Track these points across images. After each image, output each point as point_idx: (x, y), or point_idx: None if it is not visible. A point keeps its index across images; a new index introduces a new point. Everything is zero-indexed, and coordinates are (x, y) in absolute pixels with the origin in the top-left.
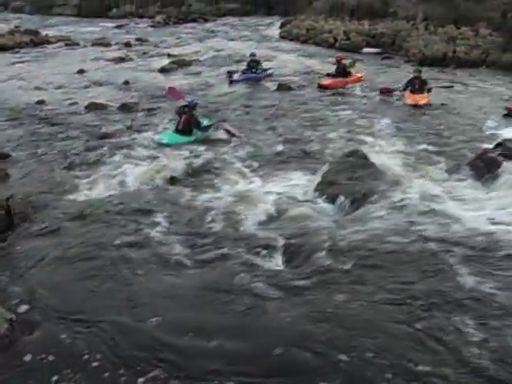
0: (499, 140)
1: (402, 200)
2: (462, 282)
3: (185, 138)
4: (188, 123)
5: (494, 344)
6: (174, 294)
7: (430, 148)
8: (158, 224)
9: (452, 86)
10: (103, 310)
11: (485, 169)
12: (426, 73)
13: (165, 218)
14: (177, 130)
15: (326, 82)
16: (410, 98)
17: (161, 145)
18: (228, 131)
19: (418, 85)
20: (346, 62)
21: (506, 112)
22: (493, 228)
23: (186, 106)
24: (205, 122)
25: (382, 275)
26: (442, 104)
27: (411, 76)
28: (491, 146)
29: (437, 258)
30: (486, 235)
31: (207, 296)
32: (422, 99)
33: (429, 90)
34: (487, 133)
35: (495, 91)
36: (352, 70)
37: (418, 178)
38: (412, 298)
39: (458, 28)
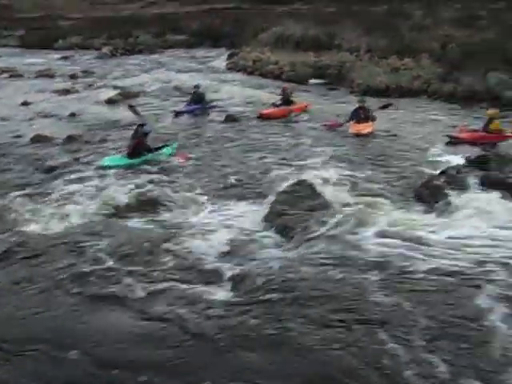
0: (443, 168)
1: (350, 230)
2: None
3: (130, 161)
4: (138, 147)
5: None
6: (110, 327)
7: (377, 176)
8: (101, 256)
9: (391, 104)
10: (33, 341)
11: (430, 196)
12: (370, 103)
13: (108, 251)
14: (127, 154)
15: (266, 111)
16: (354, 128)
17: (107, 175)
18: (182, 156)
19: (362, 114)
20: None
21: (448, 140)
22: (437, 254)
23: (141, 125)
24: (164, 150)
25: (326, 304)
26: (387, 133)
27: (356, 106)
28: (436, 174)
29: (379, 285)
30: (432, 262)
31: (147, 329)
32: (366, 128)
33: (373, 119)
34: (431, 160)
35: (437, 120)
36: (293, 100)
37: (365, 207)
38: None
39: (401, 59)
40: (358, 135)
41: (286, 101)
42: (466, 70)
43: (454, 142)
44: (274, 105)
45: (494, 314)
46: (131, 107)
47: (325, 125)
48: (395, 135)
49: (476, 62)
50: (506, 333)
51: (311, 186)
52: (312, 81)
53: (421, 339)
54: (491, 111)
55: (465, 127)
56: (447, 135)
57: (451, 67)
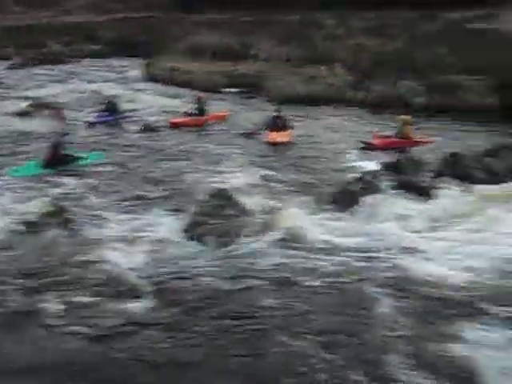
0: (359, 173)
1: (269, 237)
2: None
3: (45, 170)
4: (54, 157)
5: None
6: (23, 343)
7: (294, 183)
8: (11, 273)
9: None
10: None
11: (347, 202)
12: (287, 111)
13: (19, 267)
14: (43, 164)
15: (177, 120)
16: (271, 136)
17: (19, 186)
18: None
19: (279, 123)
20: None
21: (362, 146)
22: (354, 257)
23: (58, 134)
24: (82, 160)
25: (245, 310)
26: (304, 140)
27: (273, 115)
28: (352, 179)
29: (302, 287)
30: (348, 265)
31: (60, 346)
32: (283, 137)
33: (290, 128)
34: (347, 166)
35: (351, 127)
36: (207, 109)
37: (285, 213)
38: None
39: (316, 68)
40: (275, 144)
41: (201, 110)
42: (377, 78)
43: (367, 147)
44: (187, 114)
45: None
46: (53, 111)
47: (244, 133)
48: (312, 143)
49: (387, 70)
50: (388, 333)
51: (230, 195)
52: (227, 89)
53: (313, 339)
54: (404, 117)
55: (378, 133)
56: (361, 141)
57: (363, 75)
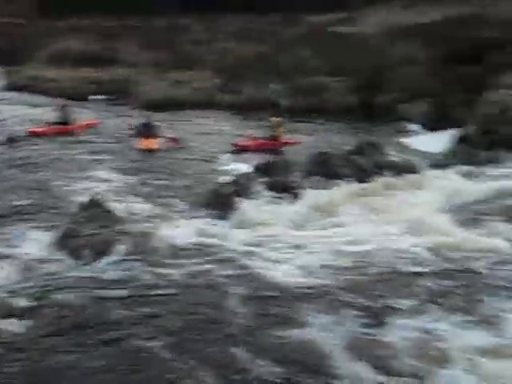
0: (231, 176)
1: (143, 244)
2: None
3: None
4: None
5: None
6: None
7: (169, 190)
8: None
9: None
10: None
11: (221, 205)
12: (156, 117)
13: None
14: None
15: (37, 129)
16: (142, 143)
17: None
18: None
19: (148, 129)
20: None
21: (233, 148)
22: (221, 259)
23: None
24: None
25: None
26: (176, 146)
27: (142, 121)
28: (225, 182)
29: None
30: (212, 266)
31: None
32: (153, 143)
33: (160, 134)
34: (220, 169)
35: (221, 130)
36: (75, 117)
37: (161, 219)
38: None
39: (183, 72)
40: (146, 150)
41: (65, 119)
42: (245, 81)
43: (238, 150)
44: (49, 123)
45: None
46: None
47: (128, 137)
48: (183, 147)
49: (254, 73)
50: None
51: (102, 204)
52: (93, 97)
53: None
54: (275, 119)
55: (249, 136)
56: (232, 144)
57: (231, 79)
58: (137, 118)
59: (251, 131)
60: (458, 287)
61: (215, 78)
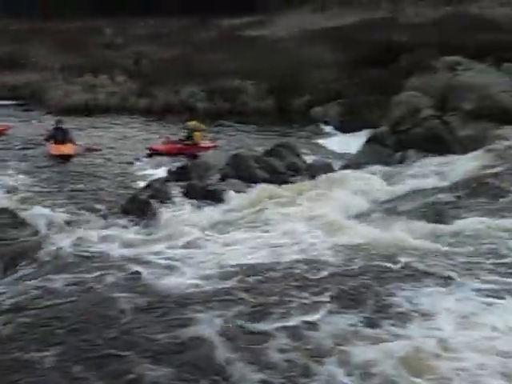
0: (147, 181)
1: (59, 253)
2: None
3: None
4: None
5: None
6: None
7: (83, 196)
8: None
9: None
10: None
11: (137, 211)
12: (70, 122)
13: None
14: None
15: None
16: (54, 149)
17: None
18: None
19: (61, 135)
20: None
21: (148, 153)
22: (150, 271)
23: None
24: None
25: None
26: (90, 151)
27: (53, 126)
28: (140, 188)
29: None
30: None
31: None
32: (66, 149)
33: (73, 140)
34: (136, 175)
35: (137, 134)
36: None
37: (74, 227)
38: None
39: (96, 76)
40: (58, 156)
41: None
42: (160, 85)
43: (152, 154)
44: None
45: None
46: None
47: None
48: (99, 153)
49: (169, 76)
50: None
51: (13, 213)
52: (1, 102)
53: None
54: (192, 123)
55: (166, 139)
56: (147, 148)
57: (145, 83)
58: (49, 123)
59: (167, 135)
60: (364, 285)
61: (129, 82)
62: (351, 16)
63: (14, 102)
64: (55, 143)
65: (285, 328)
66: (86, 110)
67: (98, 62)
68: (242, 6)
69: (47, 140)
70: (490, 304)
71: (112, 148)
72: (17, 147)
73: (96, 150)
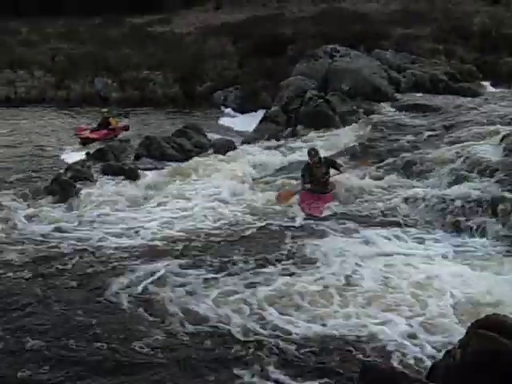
0: (68, 165)
1: None
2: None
3: None
4: None
5: None
6: None
7: (8, 182)
8: None
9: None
10: None
11: (61, 191)
12: None
13: None
14: None
15: None
16: None
17: None
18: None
19: None
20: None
21: (80, 141)
22: (71, 242)
23: None
24: None
25: None
26: (11, 142)
27: None
28: (62, 171)
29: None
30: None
31: None
32: None
33: None
34: (57, 161)
35: (56, 124)
36: None
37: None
38: None
39: (15, 72)
40: None
41: None
42: (76, 78)
43: (84, 142)
44: None
45: None
46: None
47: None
48: (20, 143)
49: (83, 70)
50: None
51: None
52: None
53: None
54: (105, 110)
55: (85, 127)
56: (78, 137)
57: (62, 76)
58: None
59: (84, 123)
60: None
61: (47, 76)
62: (244, 14)
63: None
64: None
65: None
66: (8, 103)
67: (16, 59)
68: (150, 5)
69: None
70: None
71: (32, 138)
72: None
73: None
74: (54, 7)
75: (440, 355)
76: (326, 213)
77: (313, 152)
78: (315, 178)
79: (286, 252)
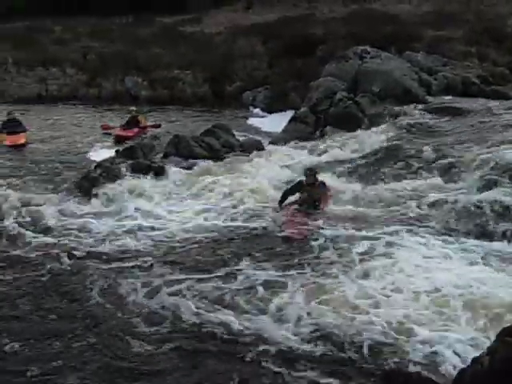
0: (97, 162)
1: (19, 227)
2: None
3: None
4: None
5: None
6: None
7: (41, 179)
8: None
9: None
10: None
11: (91, 187)
12: (24, 112)
13: None
14: None
15: None
16: (8, 140)
17: None
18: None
19: (14, 126)
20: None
21: (114, 139)
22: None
23: None
24: None
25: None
26: (43, 139)
27: (7, 118)
28: (92, 168)
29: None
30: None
31: None
32: (19, 139)
33: (25, 130)
34: (87, 158)
35: (89, 119)
36: None
37: (32, 206)
38: None
39: (47, 69)
40: (12, 146)
41: None
42: (107, 76)
43: (117, 140)
44: None
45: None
46: None
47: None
48: (51, 140)
49: (114, 68)
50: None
51: None
52: None
53: None
54: (134, 108)
55: (112, 125)
56: (114, 135)
57: (93, 74)
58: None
59: (116, 121)
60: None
61: (79, 74)
62: (275, 14)
63: None
64: (8, 134)
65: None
66: (40, 99)
67: (48, 57)
68: (179, 5)
69: (0, 132)
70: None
71: (64, 134)
72: None
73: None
74: (86, 6)
75: (466, 362)
76: (314, 232)
77: (309, 172)
78: (306, 199)
79: (311, 252)
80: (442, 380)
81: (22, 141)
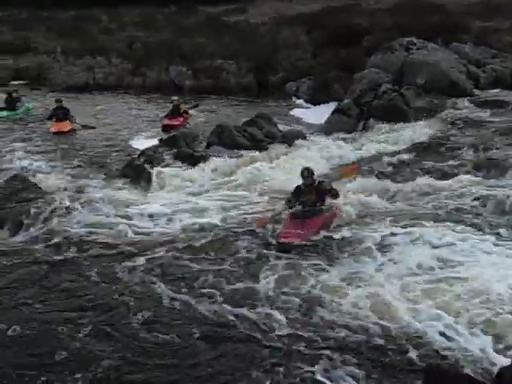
0: (141, 150)
1: (69, 215)
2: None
3: None
4: None
5: None
6: None
7: (87, 166)
8: None
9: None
10: None
11: (134, 174)
12: (73, 100)
13: None
14: None
15: None
16: (54, 127)
17: None
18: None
19: (61, 113)
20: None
21: (164, 129)
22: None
23: None
24: None
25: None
26: (85, 128)
27: (55, 106)
28: (136, 156)
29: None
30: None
31: None
32: (65, 127)
33: (72, 119)
34: (131, 145)
35: (135, 109)
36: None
37: (77, 192)
38: None
39: (95, 58)
40: (58, 133)
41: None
42: (151, 65)
43: (165, 129)
44: None
45: None
46: None
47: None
48: (101, 127)
49: (158, 57)
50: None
51: (26, 179)
52: (13, 82)
53: None
54: (176, 98)
55: (165, 115)
56: (162, 124)
57: (138, 63)
58: (51, 101)
59: (160, 110)
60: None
61: (124, 63)
62: (319, 4)
63: (22, 82)
64: (56, 121)
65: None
66: (87, 88)
67: (95, 46)
68: None
69: (49, 118)
70: None
71: (109, 122)
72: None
73: (91, 127)
74: None
75: (507, 361)
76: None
77: (306, 172)
78: (304, 201)
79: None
80: (481, 377)
81: (68, 128)
